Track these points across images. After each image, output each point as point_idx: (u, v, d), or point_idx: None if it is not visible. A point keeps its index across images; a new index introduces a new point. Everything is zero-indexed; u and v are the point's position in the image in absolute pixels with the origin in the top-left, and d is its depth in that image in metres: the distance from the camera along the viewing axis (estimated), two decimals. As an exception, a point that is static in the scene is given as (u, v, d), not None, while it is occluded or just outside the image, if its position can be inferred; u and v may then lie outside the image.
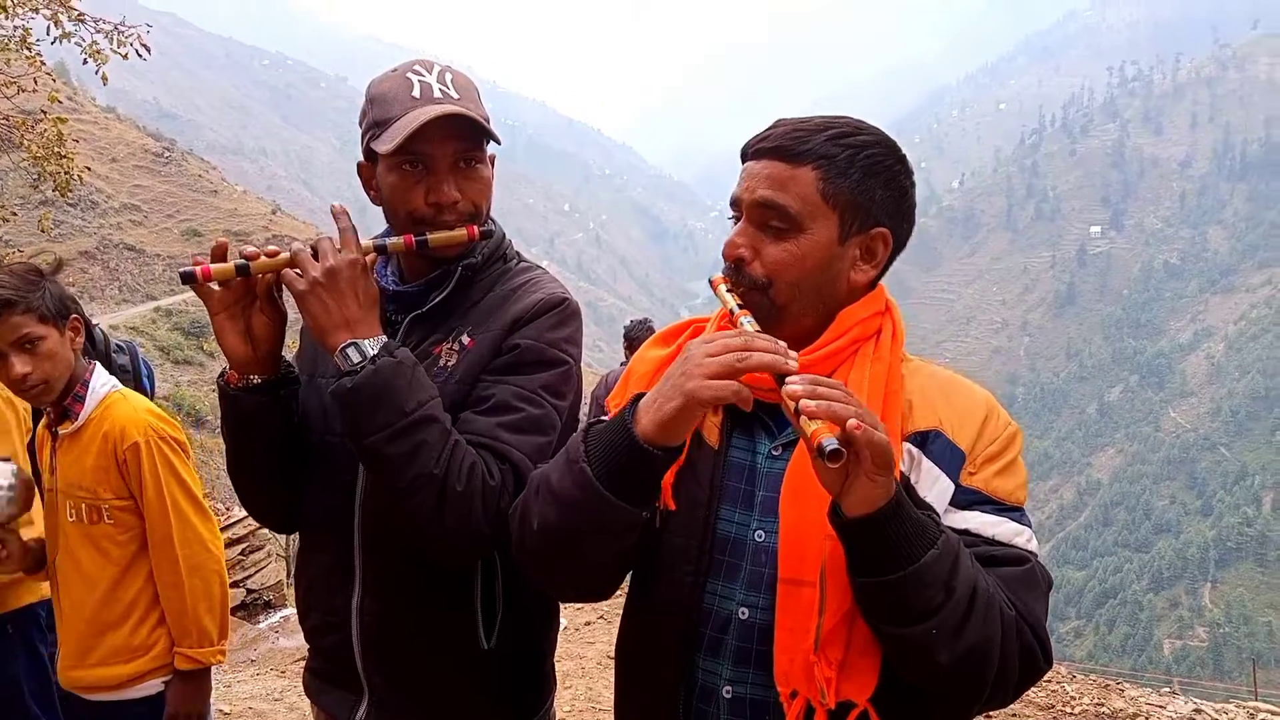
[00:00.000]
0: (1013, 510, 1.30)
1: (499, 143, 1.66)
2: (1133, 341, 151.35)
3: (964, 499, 1.28)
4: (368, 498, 1.61)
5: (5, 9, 9.24)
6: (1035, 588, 1.26)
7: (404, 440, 1.41)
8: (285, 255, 1.50)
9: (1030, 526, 1.31)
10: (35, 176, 10.09)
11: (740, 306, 1.29)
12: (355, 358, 1.44)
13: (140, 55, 9.41)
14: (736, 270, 1.32)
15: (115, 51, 9.24)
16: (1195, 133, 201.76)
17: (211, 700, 2.50)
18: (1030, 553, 1.28)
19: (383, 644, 1.64)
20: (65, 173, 10.01)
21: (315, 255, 1.48)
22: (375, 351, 1.44)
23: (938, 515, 1.19)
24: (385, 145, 1.53)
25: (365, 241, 1.55)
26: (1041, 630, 1.24)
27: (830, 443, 1.04)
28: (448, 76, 1.61)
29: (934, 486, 1.27)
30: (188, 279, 1.48)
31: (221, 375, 1.61)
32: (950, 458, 1.28)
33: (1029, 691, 4.93)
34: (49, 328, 2.17)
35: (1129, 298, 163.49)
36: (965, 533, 1.24)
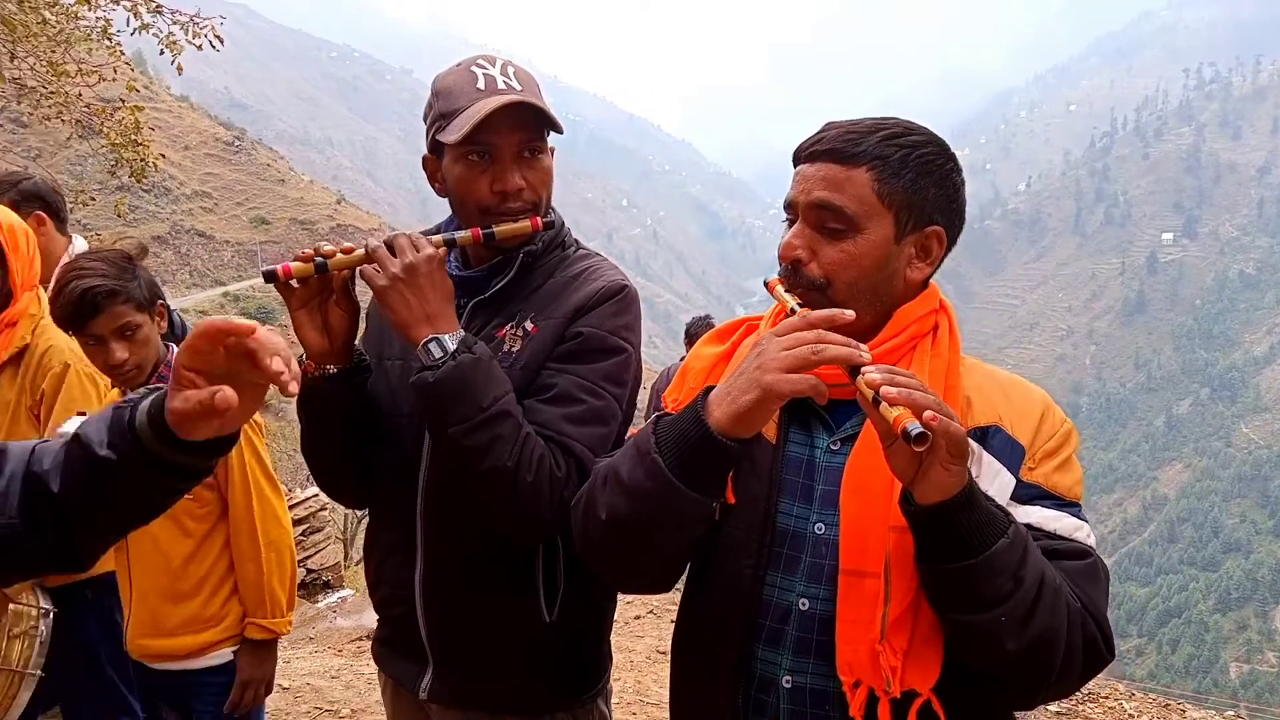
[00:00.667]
0: (1071, 505, 1.31)
1: (561, 132, 1.69)
2: (1204, 353, 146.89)
3: (1024, 494, 1.29)
4: (430, 476, 1.67)
5: (88, 1, 9.58)
6: (1097, 581, 1.28)
7: (481, 433, 1.47)
8: (361, 252, 1.55)
9: (1087, 522, 1.32)
10: (113, 163, 10.43)
11: (800, 305, 1.30)
12: (437, 353, 1.49)
13: (214, 46, 9.67)
14: (794, 271, 1.34)
15: (190, 43, 9.51)
16: (1276, 138, 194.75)
17: None
18: (1090, 547, 1.30)
19: (445, 617, 1.70)
20: (141, 160, 10.31)
21: (393, 251, 1.53)
22: (455, 347, 1.50)
23: (1004, 508, 1.21)
24: (452, 135, 1.58)
25: (435, 236, 1.60)
26: (1104, 622, 1.26)
27: (916, 427, 1.05)
28: (510, 69, 1.64)
29: (995, 481, 1.28)
30: (270, 278, 1.55)
31: (301, 365, 1.66)
32: (1011, 453, 1.30)
33: (1087, 710, 4.83)
34: (143, 315, 2.25)
35: (1201, 308, 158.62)
36: (1028, 527, 1.25)
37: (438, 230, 1.73)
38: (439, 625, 1.71)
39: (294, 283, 1.56)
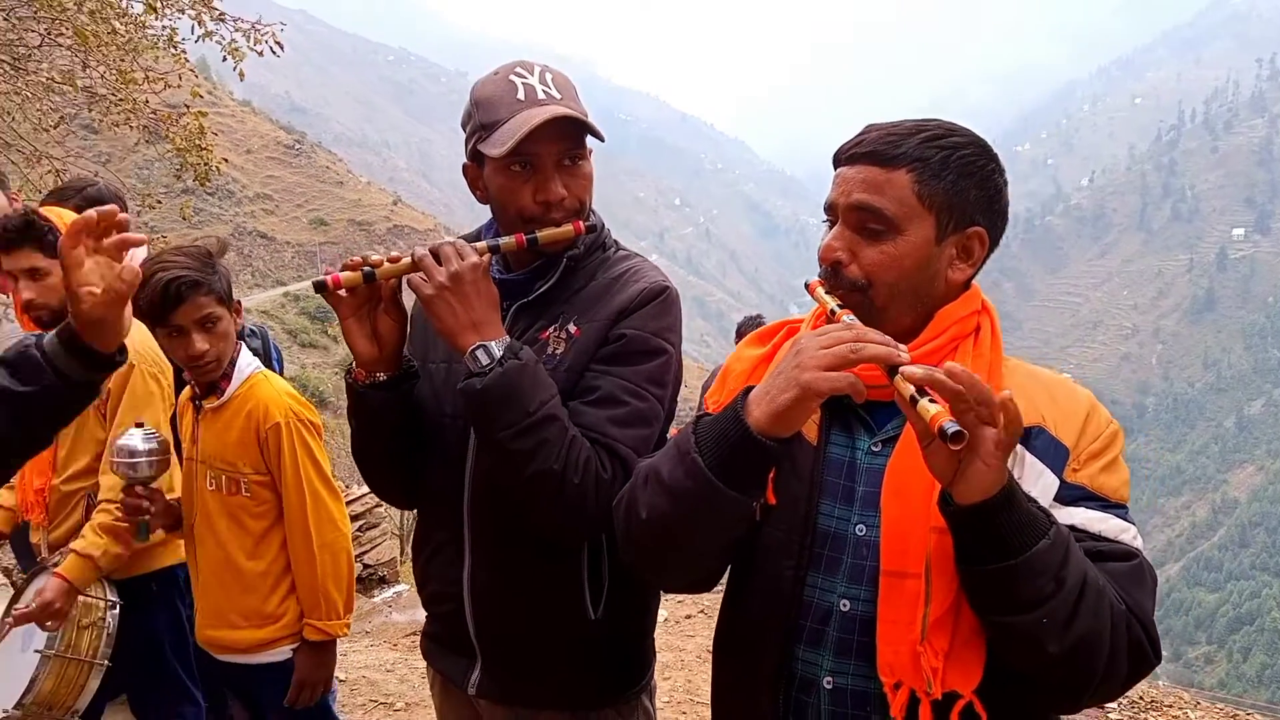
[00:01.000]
0: (1117, 507, 1.30)
1: (602, 139, 1.70)
2: (1277, 352, 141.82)
3: (1069, 495, 1.28)
4: (476, 475, 1.70)
5: (155, 10, 9.85)
6: (1143, 583, 1.26)
7: (528, 437, 1.50)
8: (407, 260, 1.58)
9: (1134, 524, 1.30)
10: (178, 167, 10.73)
11: (840, 306, 1.30)
12: (484, 360, 1.52)
13: (274, 52, 9.89)
14: (834, 273, 1.35)
15: (252, 49, 9.74)
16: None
17: None
18: (1136, 549, 1.28)
19: (493, 613, 1.73)
20: (205, 164, 10.59)
21: (438, 260, 1.56)
22: (501, 354, 1.52)
23: (1046, 509, 1.20)
24: (496, 149, 1.59)
25: (479, 243, 1.62)
26: (1150, 625, 1.24)
27: (952, 425, 1.05)
28: (548, 76, 1.65)
29: (1038, 482, 1.27)
30: (320, 288, 1.58)
31: (348, 372, 1.71)
32: (1054, 453, 1.29)
33: (1150, 718, 4.70)
34: (223, 308, 2.32)
35: (1275, 305, 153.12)
36: (1071, 528, 1.23)
37: (479, 236, 1.76)
38: (486, 622, 1.74)
39: (343, 292, 1.59)
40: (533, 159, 1.62)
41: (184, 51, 10.16)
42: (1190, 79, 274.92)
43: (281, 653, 2.42)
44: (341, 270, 1.59)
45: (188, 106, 10.45)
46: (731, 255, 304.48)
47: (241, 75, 9.93)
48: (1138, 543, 1.29)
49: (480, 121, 1.64)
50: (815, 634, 1.33)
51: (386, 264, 1.58)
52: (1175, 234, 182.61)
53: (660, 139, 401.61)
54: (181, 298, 2.22)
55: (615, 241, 1.83)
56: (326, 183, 72.27)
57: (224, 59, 9.68)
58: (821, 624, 1.32)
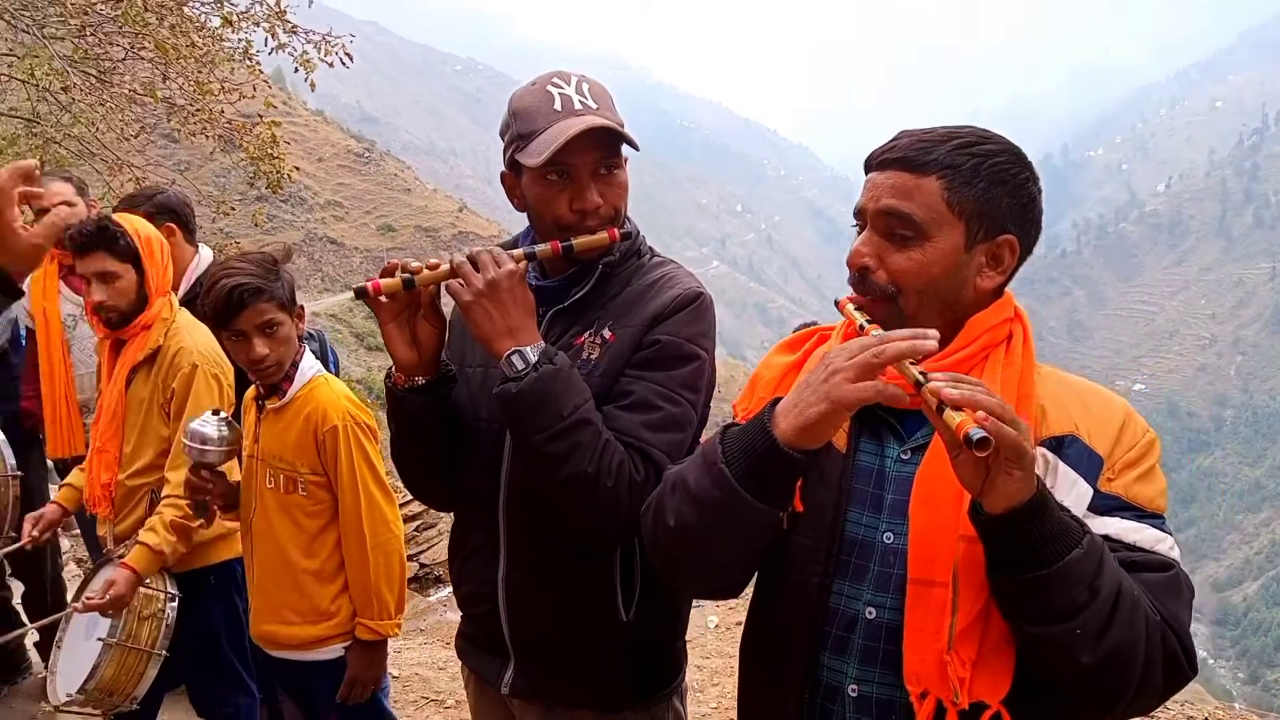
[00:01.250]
0: (1153, 517, 1.28)
1: (636, 149, 1.73)
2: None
3: (1103, 504, 1.27)
4: (511, 478, 1.73)
5: (230, 23, 10.20)
6: (1179, 594, 1.25)
7: (561, 441, 1.52)
8: (446, 267, 1.62)
9: (1171, 535, 1.28)
10: (251, 175, 11.07)
11: (869, 322, 1.31)
12: (519, 364, 1.55)
13: (344, 63, 10.16)
14: (862, 279, 1.35)
15: (322, 60, 10.01)
16: None
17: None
18: (1173, 560, 1.26)
19: (527, 614, 1.76)
20: (276, 171, 10.92)
21: (476, 267, 1.59)
22: (536, 359, 1.55)
23: (1079, 518, 1.19)
24: (532, 159, 1.63)
25: (516, 250, 1.66)
26: (1186, 637, 1.23)
27: (977, 431, 1.05)
28: (584, 86, 1.68)
29: (1071, 491, 1.26)
30: (360, 294, 1.63)
31: (388, 376, 1.75)
32: (1088, 462, 1.28)
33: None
34: (284, 314, 2.39)
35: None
36: (1106, 538, 1.22)
37: (517, 243, 1.79)
38: (520, 622, 1.77)
39: (384, 298, 1.63)
40: (569, 168, 1.65)
41: (258, 64, 10.49)
42: (1274, 81, 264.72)
43: (334, 650, 2.47)
44: (381, 277, 1.64)
45: (260, 116, 10.79)
46: (793, 261, 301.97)
47: (313, 86, 10.22)
48: (1174, 553, 1.27)
49: (518, 131, 1.68)
50: (841, 641, 1.32)
51: (426, 271, 1.63)
52: (1257, 241, 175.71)
53: (723, 145, 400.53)
54: (244, 304, 2.30)
55: (650, 248, 1.85)
56: (394, 190, 73.71)
57: (296, 70, 9.98)
58: (847, 631, 1.32)
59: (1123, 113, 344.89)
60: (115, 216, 2.73)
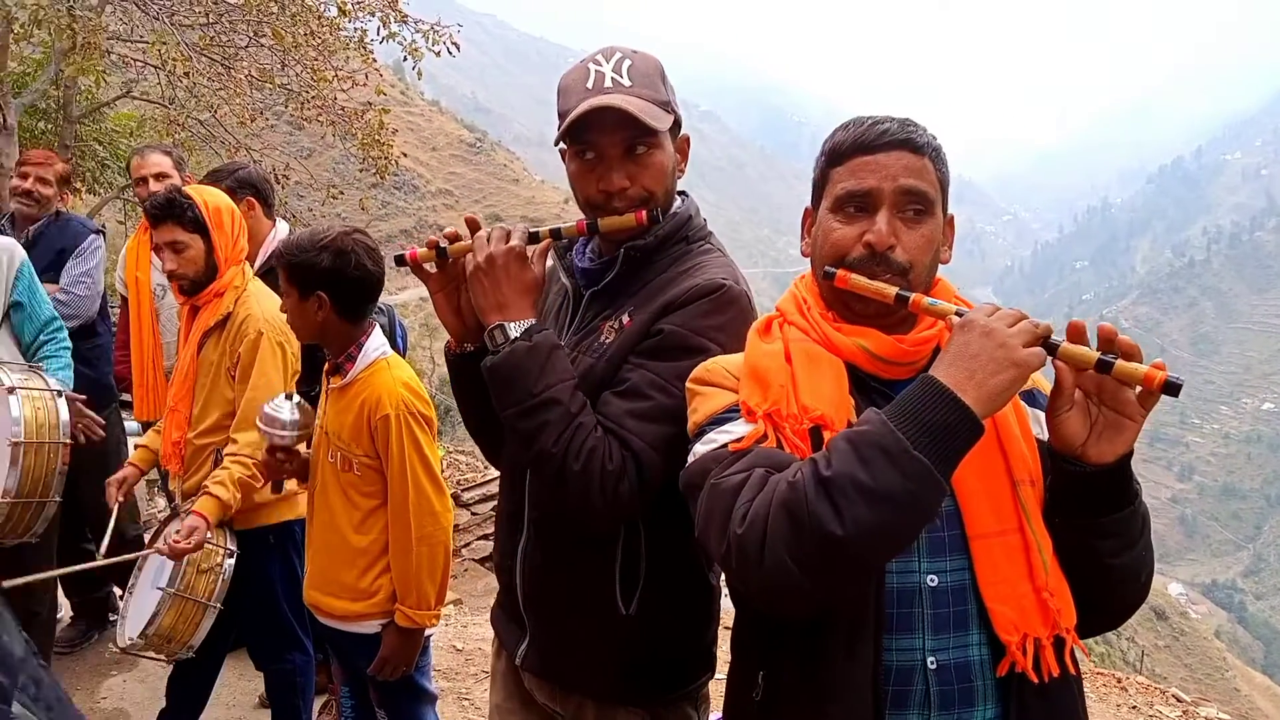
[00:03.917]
0: None
1: (654, 134, 1.63)
2: None
3: None
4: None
5: (346, 12, 10.57)
6: None
7: (529, 419, 1.54)
8: (471, 241, 1.66)
9: None
10: (362, 161, 11.45)
11: (958, 312, 1.29)
12: (499, 338, 1.59)
13: (450, 52, 10.39)
14: (880, 259, 1.35)
15: (430, 49, 10.27)
16: None
17: (435, 641, 2.66)
18: None
19: (538, 590, 1.77)
20: (385, 158, 11.28)
21: (488, 242, 1.63)
22: (516, 335, 1.57)
23: None
24: (559, 136, 1.65)
25: (544, 228, 1.67)
26: None
27: (1175, 377, 1.13)
28: (625, 65, 1.64)
29: (1043, 434, 1.34)
30: (399, 261, 1.72)
31: (447, 343, 1.81)
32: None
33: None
34: (292, 288, 2.40)
35: None
36: None
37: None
38: (532, 595, 1.77)
39: (429, 266, 1.70)
40: (597, 148, 1.64)
41: (372, 53, 10.84)
42: None
43: (372, 626, 2.50)
44: (424, 247, 1.70)
45: (370, 104, 11.15)
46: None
47: (420, 74, 10.49)
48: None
49: (559, 109, 1.68)
50: (905, 619, 1.28)
51: (459, 243, 1.67)
52: None
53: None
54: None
55: (708, 234, 1.79)
56: (503, 180, 75.33)
57: (405, 59, 10.26)
58: (909, 606, 1.28)
59: (1265, 114, 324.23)
60: (187, 189, 2.84)
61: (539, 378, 1.54)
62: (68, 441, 2.93)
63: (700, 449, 1.36)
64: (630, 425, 1.56)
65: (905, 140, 1.36)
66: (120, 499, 2.86)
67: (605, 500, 1.53)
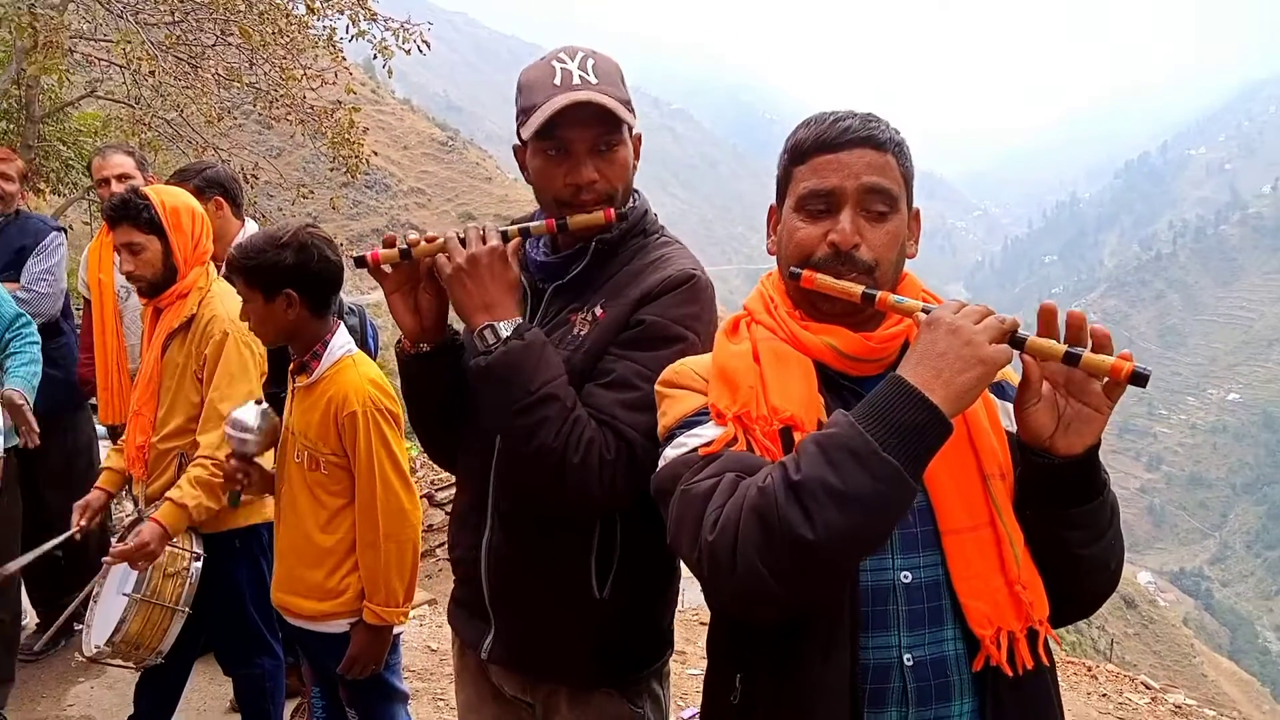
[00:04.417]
0: None
1: (631, 126, 1.70)
2: None
3: None
4: (503, 450, 1.73)
5: (314, 10, 10.47)
6: None
7: (528, 415, 1.53)
8: (440, 241, 1.65)
9: None
10: (332, 160, 11.35)
11: (924, 308, 1.28)
12: (490, 339, 1.57)
13: (420, 51, 10.34)
14: (845, 258, 1.34)
15: (400, 48, 10.21)
16: None
17: (410, 641, 2.64)
18: None
19: (506, 581, 1.77)
20: (355, 157, 11.20)
21: (463, 243, 1.62)
22: (508, 334, 1.57)
23: None
24: (527, 132, 1.65)
25: (511, 226, 1.68)
26: None
27: (1143, 367, 1.13)
28: (589, 63, 1.67)
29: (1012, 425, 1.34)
30: (360, 263, 1.69)
31: (398, 343, 1.79)
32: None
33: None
34: (254, 292, 2.37)
35: None
36: None
37: (531, 219, 1.79)
38: (499, 590, 1.78)
39: (386, 268, 1.68)
40: (565, 144, 1.65)
41: (341, 51, 10.75)
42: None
43: (340, 625, 2.49)
44: (384, 248, 1.68)
45: (339, 103, 11.06)
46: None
47: (390, 72, 10.43)
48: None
49: (521, 105, 1.69)
50: (881, 616, 1.27)
51: (423, 243, 1.66)
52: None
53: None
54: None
55: (661, 228, 1.84)
56: (476, 178, 74.98)
57: (374, 57, 10.19)
58: (884, 604, 1.27)
59: (1228, 110, 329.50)
60: (146, 189, 2.81)
61: (535, 375, 1.55)
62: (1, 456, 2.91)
63: (670, 453, 1.35)
64: (622, 416, 1.58)
65: (867, 137, 1.35)
66: (81, 524, 2.81)
67: (604, 490, 1.55)
